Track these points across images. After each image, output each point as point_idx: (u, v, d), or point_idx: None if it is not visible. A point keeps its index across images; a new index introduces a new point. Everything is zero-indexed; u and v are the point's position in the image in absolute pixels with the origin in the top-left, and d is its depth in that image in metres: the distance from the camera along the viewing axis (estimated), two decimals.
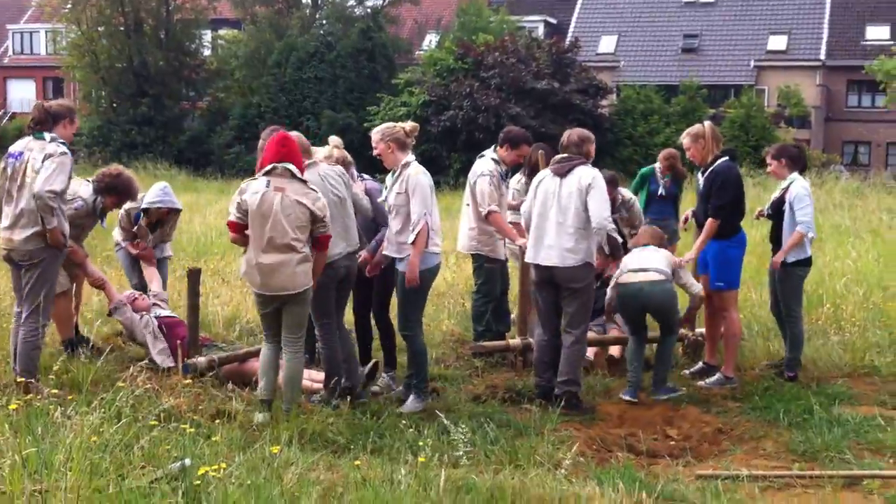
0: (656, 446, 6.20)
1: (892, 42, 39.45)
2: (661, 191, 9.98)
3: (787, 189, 7.64)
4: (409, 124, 6.96)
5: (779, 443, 6.23)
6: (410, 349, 6.86)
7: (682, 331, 8.02)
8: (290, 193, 6.09)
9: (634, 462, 5.80)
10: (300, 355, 6.45)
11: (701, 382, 7.56)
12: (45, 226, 6.21)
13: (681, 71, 41.42)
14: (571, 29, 44.79)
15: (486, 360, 8.00)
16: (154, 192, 8.12)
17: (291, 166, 6.14)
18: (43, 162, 6.21)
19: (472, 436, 5.77)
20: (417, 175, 6.62)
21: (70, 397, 5.54)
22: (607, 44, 44.54)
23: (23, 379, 6.11)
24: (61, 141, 6.39)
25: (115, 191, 7.42)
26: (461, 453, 5.11)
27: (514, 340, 8.05)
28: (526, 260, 7.23)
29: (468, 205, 8.20)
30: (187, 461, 4.67)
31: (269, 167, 6.13)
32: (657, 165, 10.14)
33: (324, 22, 41.26)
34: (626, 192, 9.30)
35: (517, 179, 8.95)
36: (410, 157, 6.78)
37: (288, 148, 6.21)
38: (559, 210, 6.83)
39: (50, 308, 6.56)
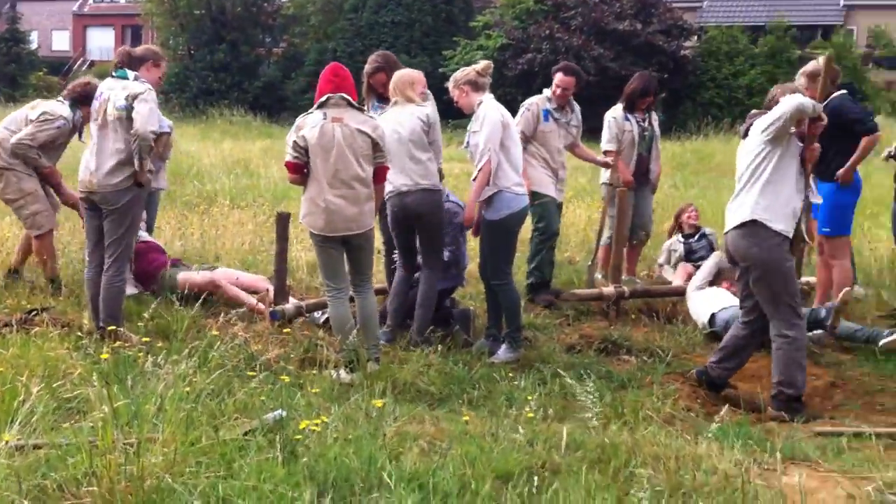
0: (765, 400, 5.79)
1: None
2: None
3: None
4: (481, 63, 6.66)
5: None
6: (503, 299, 6.56)
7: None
8: (350, 122, 5.77)
9: (745, 418, 5.40)
10: (372, 295, 6.17)
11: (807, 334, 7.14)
12: (142, 166, 6.01)
13: (767, 11, 39.86)
14: None
15: (576, 309, 7.71)
16: None
17: (347, 95, 5.81)
18: (133, 102, 6.00)
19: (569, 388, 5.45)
20: (488, 109, 6.35)
21: (159, 345, 5.40)
22: None
23: (110, 326, 5.98)
24: (143, 79, 6.20)
25: (88, 100, 6.91)
26: (591, 415, 4.72)
27: (608, 289, 7.75)
28: None
29: None
30: (282, 412, 4.49)
31: (322, 99, 5.81)
32: None
33: None
34: None
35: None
36: (486, 96, 6.49)
37: (341, 77, 5.88)
38: None
39: (131, 252, 6.43)
